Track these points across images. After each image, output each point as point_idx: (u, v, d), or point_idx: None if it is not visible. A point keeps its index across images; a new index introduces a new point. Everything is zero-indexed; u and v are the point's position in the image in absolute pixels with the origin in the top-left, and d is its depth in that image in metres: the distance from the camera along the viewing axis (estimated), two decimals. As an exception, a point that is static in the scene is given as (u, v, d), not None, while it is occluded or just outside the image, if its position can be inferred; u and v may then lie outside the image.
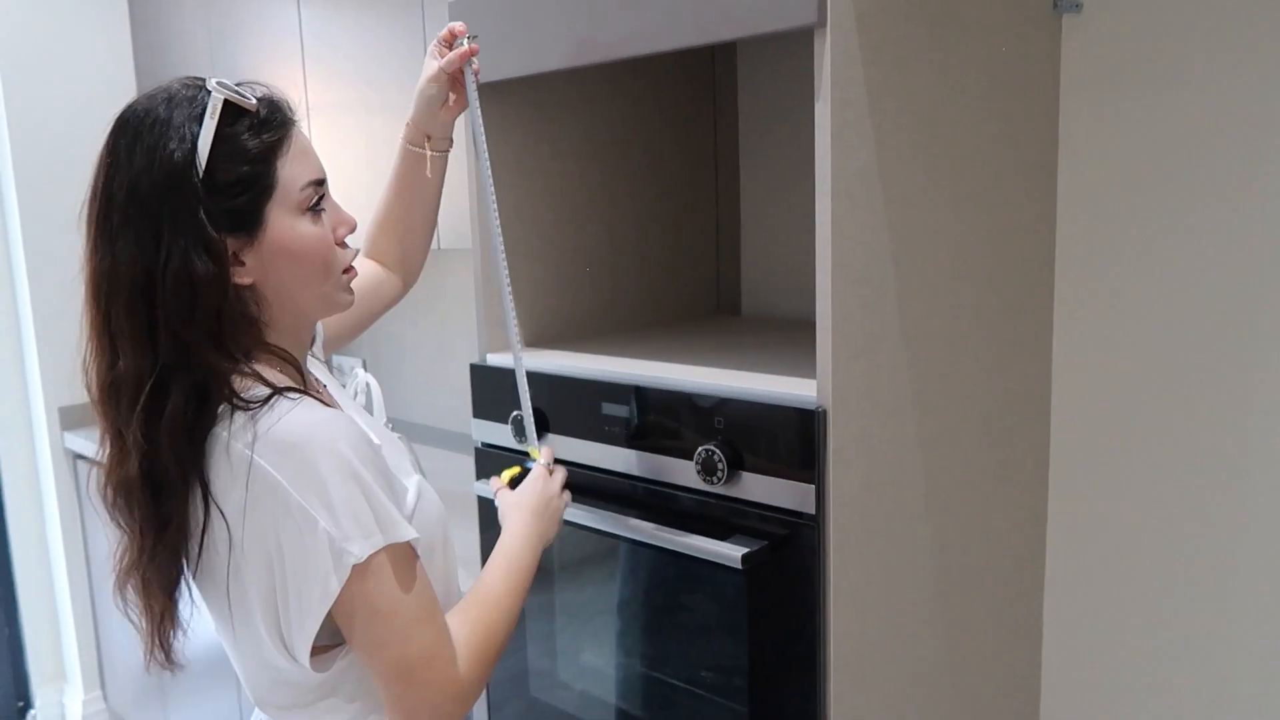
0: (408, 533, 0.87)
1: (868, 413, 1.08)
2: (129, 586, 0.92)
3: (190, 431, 0.86)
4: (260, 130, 0.90)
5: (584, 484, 1.29)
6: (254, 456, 0.84)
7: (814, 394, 1.05)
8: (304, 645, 0.88)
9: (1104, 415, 1.39)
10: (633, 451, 1.23)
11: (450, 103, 1.23)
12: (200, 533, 0.87)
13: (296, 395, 0.88)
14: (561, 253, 1.53)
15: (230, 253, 0.88)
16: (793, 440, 1.06)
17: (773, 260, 1.80)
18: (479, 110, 1.19)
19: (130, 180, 0.85)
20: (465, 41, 1.17)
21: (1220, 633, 1.32)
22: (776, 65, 1.73)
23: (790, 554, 1.08)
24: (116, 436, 0.88)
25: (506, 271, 1.22)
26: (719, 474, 1.11)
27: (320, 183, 0.95)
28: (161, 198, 0.85)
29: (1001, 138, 1.27)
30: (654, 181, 1.68)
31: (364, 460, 0.86)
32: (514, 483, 1.17)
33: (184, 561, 0.90)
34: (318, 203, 0.94)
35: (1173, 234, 1.30)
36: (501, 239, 1.22)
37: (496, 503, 1.15)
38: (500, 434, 1.41)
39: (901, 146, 1.09)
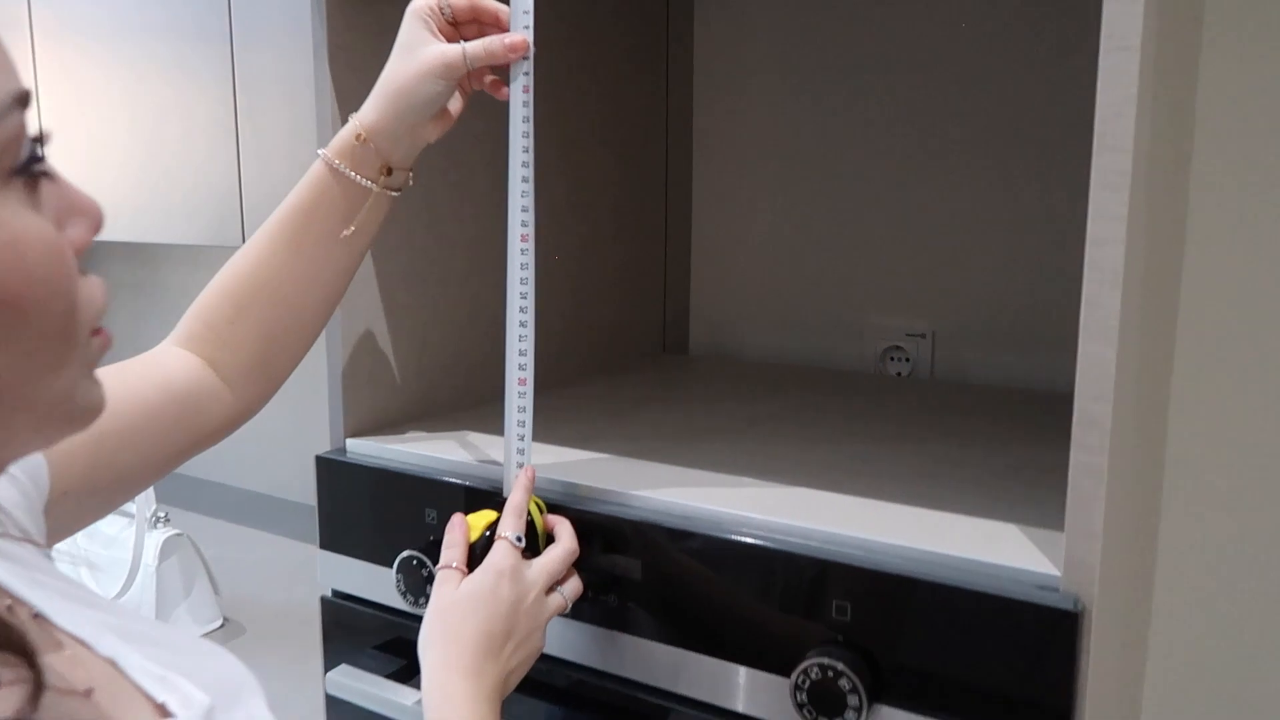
0: None
1: (1125, 599, 0.59)
2: None
3: None
4: None
5: (557, 685, 0.72)
6: None
7: (1051, 569, 0.55)
8: None
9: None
10: (653, 645, 0.68)
11: (447, 113, 0.72)
12: None
13: None
14: (460, 275, 0.96)
15: None
16: (1016, 657, 0.55)
17: (728, 289, 1.30)
18: (526, 137, 0.69)
19: None
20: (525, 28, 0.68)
21: None
22: (736, 68, 1.23)
23: None
24: None
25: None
26: (849, 711, 0.58)
27: (24, 101, 0.36)
28: None
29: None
30: (593, 189, 1.13)
31: None
32: (484, 547, 0.66)
33: None
34: (31, 162, 0.35)
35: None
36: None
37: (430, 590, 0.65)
38: (372, 581, 0.82)
39: (1162, 127, 0.62)
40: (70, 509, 0.60)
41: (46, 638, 0.45)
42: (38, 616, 0.45)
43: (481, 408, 0.96)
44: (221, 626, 1.31)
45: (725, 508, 0.66)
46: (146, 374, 0.67)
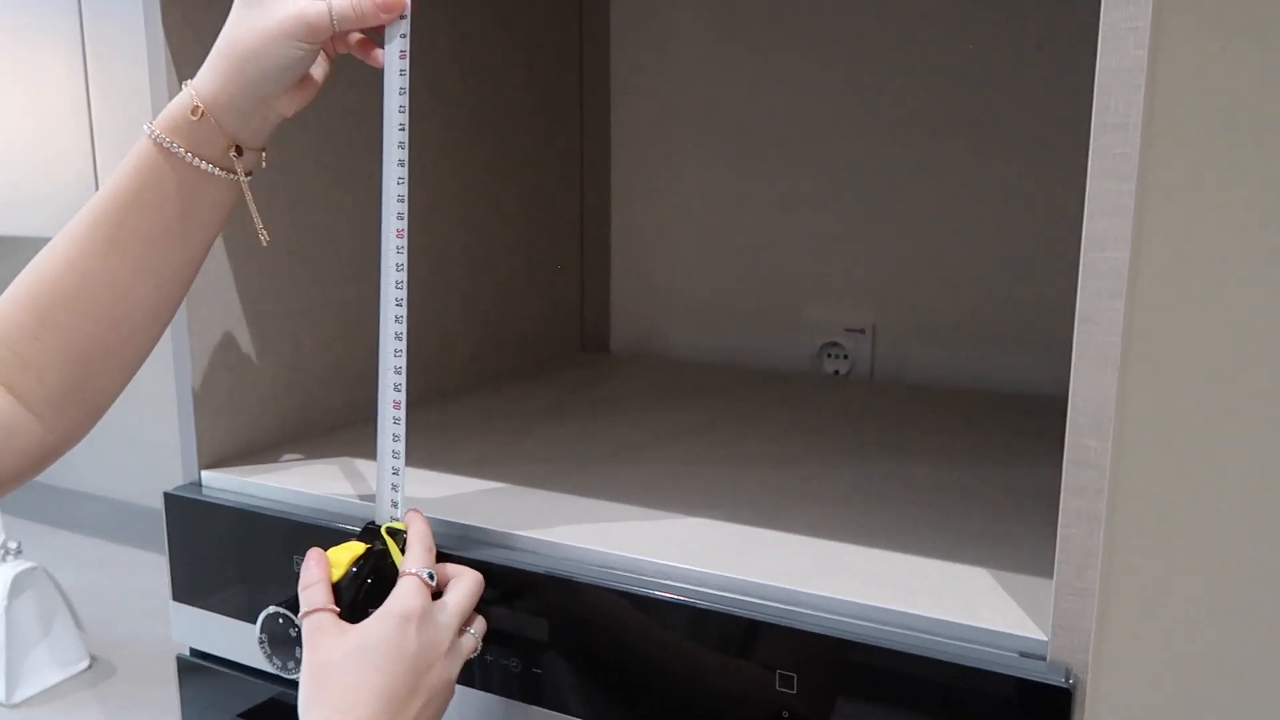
0: None
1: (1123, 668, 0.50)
2: None
3: None
4: None
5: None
6: None
7: (1036, 631, 0.46)
8: None
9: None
10: (562, 718, 0.57)
11: (310, 81, 0.59)
12: None
13: None
14: (336, 275, 0.83)
15: None
16: (993, 743, 0.46)
17: (650, 281, 1.19)
18: (402, 112, 0.57)
19: None
20: None
21: None
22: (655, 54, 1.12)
23: None
24: None
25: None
26: (797, 807, 0.48)
27: None
28: None
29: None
30: (500, 174, 1.01)
31: None
32: (352, 587, 0.55)
33: None
34: None
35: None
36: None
37: (302, 649, 0.53)
38: (237, 640, 0.70)
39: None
40: None
41: None
42: None
43: (366, 426, 0.83)
44: (89, 668, 1.16)
45: (647, 555, 0.55)
46: None
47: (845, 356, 1.10)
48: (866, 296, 1.08)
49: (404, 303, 0.58)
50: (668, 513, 0.63)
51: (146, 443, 1.50)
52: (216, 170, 0.57)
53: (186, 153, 0.56)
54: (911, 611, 0.48)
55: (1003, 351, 1.01)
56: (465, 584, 0.55)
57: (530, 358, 1.09)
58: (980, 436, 0.81)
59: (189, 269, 0.60)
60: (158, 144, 0.56)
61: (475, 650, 0.56)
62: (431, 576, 0.54)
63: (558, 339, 1.15)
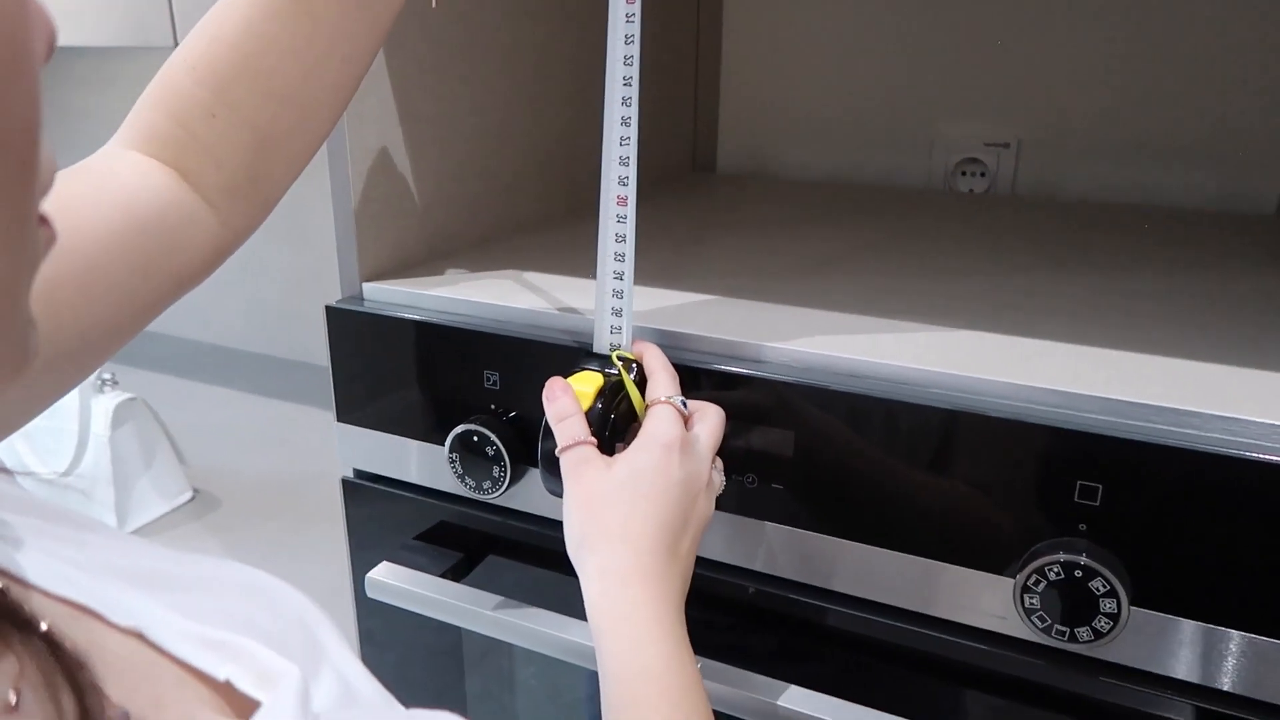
0: None
1: None
2: None
3: None
4: None
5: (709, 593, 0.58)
6: None
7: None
8: None
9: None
10: (809, 536, 0.54)
11: None
12: None
13: None
14: (487, 75, 0.76)
15: None
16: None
17: (761, 96, 1.11)
18: None
19: None
20: None
21: None
22: None
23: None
24: None
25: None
26: (1101, 618, 0.45)
27: None
28: None
29: None
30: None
31: None
32: (600, 418, 0.50)
33: None
34: None
35: None
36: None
37: (563, 479, 0.50)
38: (406, 459, 0.66)
39: None
40: (18, 394, 0.42)
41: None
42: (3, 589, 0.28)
43: (518, 239, 0.78)
44: (192, 499, 1.14)
45: (909, 362, 0.51)
46: (101, 191, 0.47)
47: (983, 174, 1.03)
48: (1010, 108, 1.00)
49: (633, 81, 0.51)
50: (903, 321, 0.58)
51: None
52: None
53: None
54: (1233, 416, 0.44)
55: (1163, 166, 0.94)
56: (712, 417, 0.51)
57: (647, 176, 1.02)
58: (1175, 250, 0.76)
59: (373, 44, 0.53)
60: None
61: (722, 487, 0.52)
62: (685, 404, 0.50)
63: (670, 157, 1.08)
